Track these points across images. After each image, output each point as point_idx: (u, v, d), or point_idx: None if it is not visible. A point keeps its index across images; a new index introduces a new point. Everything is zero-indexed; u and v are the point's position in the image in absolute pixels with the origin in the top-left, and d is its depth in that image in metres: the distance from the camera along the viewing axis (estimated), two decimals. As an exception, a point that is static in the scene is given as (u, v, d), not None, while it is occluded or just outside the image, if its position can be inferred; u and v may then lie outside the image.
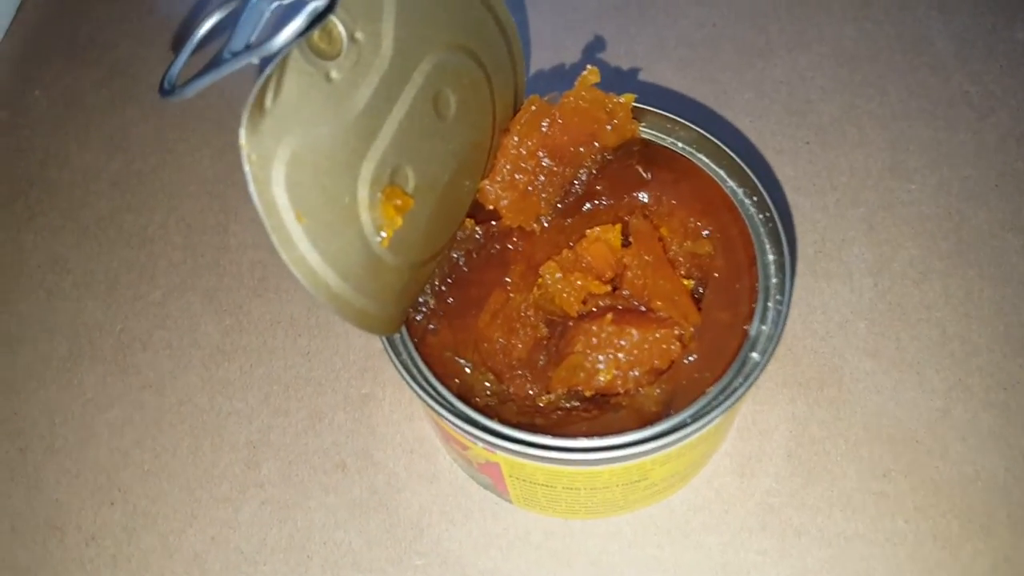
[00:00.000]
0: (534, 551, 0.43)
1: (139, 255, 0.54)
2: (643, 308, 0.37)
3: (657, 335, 0.35)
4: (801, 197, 0.53)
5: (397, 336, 0.37)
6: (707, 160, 0.41)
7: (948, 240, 0.51)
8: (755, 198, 0.39)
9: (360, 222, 0.31)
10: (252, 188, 0.27)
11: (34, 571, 0.44)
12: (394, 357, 0.36)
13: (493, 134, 0.38)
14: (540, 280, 0.37)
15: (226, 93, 0.55)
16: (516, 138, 0.39)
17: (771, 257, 0.38)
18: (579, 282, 0.37)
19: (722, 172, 0.40)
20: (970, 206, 0.52)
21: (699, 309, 0.37)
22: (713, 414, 0.34)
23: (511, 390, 0.37)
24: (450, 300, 0.38)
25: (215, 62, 0.27)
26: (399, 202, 0.32)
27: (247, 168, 0.27)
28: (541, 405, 0.37)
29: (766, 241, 0.38)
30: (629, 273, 0.37)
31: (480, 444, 0.35)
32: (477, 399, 0.36)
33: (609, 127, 0.40)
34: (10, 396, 0.50)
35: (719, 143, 0.40)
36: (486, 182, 0.39)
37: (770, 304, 0.37)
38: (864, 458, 0.44)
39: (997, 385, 0.46)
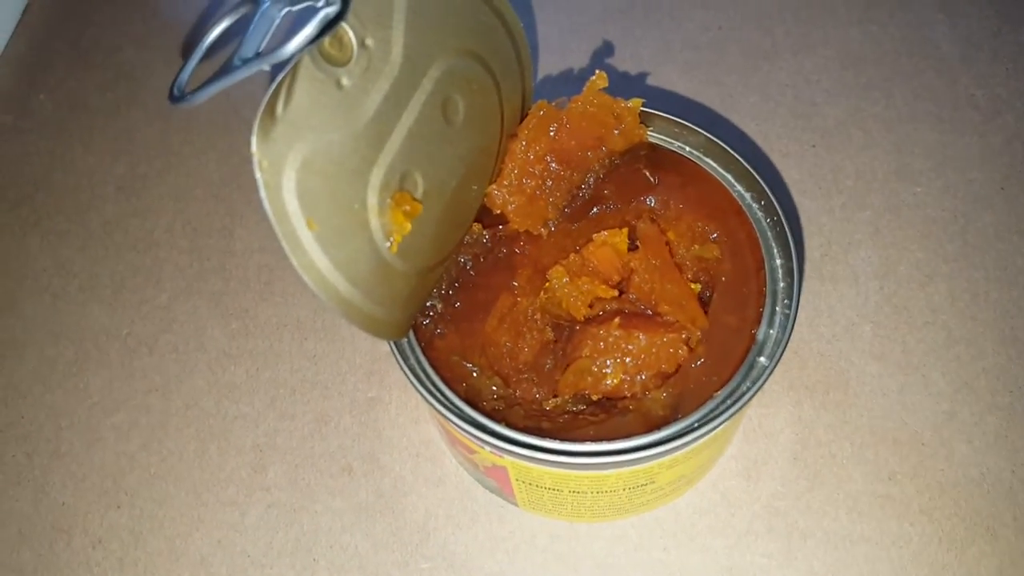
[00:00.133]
0: (540, 554, 0.43)
1: (145, 259, 0.55)
2: (650, 312, 0.37)
3: (664, 339, 0.35)
4: (807, 200, 0.53)
5: (404, 340, 0.37)
6: (714, 164, 0.41)
7: (954, 243, 0.51)
8: (762, 202, 0.39)
9: (370, 228, 0.31)
10: (263, 194, 0.27)
11: (41, 574, 0.44)
12: (401, 361, 0.36)
13: (501, 139, 0.39)
14: (547, 284, 0.37)
15: (231, 97, 0.55)
16: (524, 143, 0.39)
17: (778, 261, 0.38)
18: (586, 286, 0.37)
19: (729, 176, 0.41)
20: (976, 209, 0.52)
21: (706, 313, 0.37)
22: (720, 418, 0.34)
23: (518, 394, 0.37)
24: (457, 304, 0.38)
25: (225, 69, 0.27)
26: (408, 208, 0.32)
27: (258, 175, 0.27)
28: (548, 409, 0.37)
29: (773, 245, 0.38)
30: (636, 277, 0.37)
31: (487, 448, 0.35)
32: (484, 403, 0.36)
33: (616, 131, 0.40)
34: (16, 400, 0.50)
35: (726, 147, 0.40)
36: (494, 187, 0.39)
37: (778, 308, 0.37)
38: (870, 461, 0.44)
39: (1003, 388, 0.46)
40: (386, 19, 0.30)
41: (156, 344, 0.51)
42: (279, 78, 0.27)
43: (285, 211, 0.28)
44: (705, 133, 0.40)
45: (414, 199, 0.33)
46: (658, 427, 0.34)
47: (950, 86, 0.57)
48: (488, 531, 0.44)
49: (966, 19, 0.61)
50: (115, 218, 0.57)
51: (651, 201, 0.40)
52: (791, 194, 0.53)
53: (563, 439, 0.34)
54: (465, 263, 0.39)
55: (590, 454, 0.34)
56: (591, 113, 0.39)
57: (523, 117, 0.40)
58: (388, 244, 0.32)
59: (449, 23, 0.34)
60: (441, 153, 0.34)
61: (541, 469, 0.36)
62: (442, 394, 0.36)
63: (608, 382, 0.36)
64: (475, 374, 0.37)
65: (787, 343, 0.35)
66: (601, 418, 0.36)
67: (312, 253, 0.29)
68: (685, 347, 0.36)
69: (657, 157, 0.41)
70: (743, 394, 0.35)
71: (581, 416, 0.36)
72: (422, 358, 0.37)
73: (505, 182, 0.39)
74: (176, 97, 0.28)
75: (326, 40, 0.28)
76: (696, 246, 0.39)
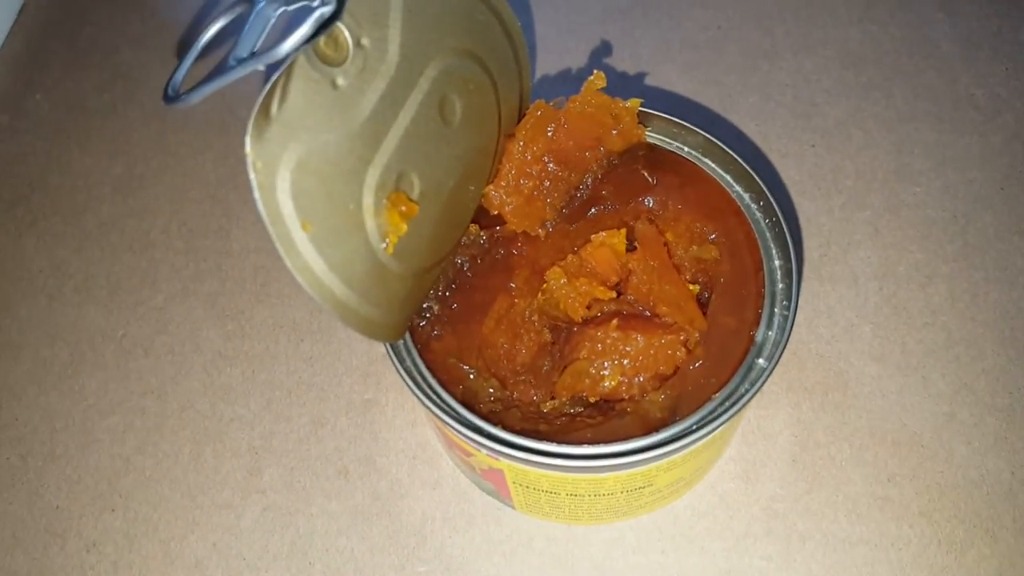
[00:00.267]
0: (537, 557, 0.43)
1: (141, 260, 0.54)
2: (648, 313, 0.37)
3: (662, 341, 0.35)
4: (806, 200, 0.53)
5: (400, 342, 0.37)
6: (713, 164, 0.41)
7: (954, 243, 0.51)
8: (761, 203, 0.39)
9: (365, 229, 0.31)
10: (257, 195, 0.27)
11: (36, 578, 0.44)
12: (398, 364, 0.36)
13: (499, 139, 0.38)
14: (545, 285, 0.37)
15: (228, 96, 0.55)
16: (521, 143, 0.39)
17: (777, 262, 0.38)
18: (584, 287, 0.37)
19: (728, 176, 0.40)
20: (976, 209, 0.52)
21: (705, 315, 0.37)
22: (719, 421, 0.34)
23: (515, 396, 0.37)
24: (454, 305, 0.38)
25: (220, 69, 0.27)
26: (404, 208, 0.32)
27: (252, 176, 0.26)
28: (545, 411, 0.36)
29: (772, 246, 0.38)
30: (634, 278, 0.37)
31: (484, 451, 0.35)
32: (481, 405, 0.36)
33: (615, 132, 0.40)
34: (11, 402, 0.49)
35: (725, 147, 0.40)
36: (491, 187, 0.39)
37: (776, 310, 0.37)
38: (869, 463, 0.44)
39: (1003, 389, 0.46)
40: (382, 18, 0.30)
41: (152, 346, 0.51)
42: (274, 78, 0.27)
43: (279, 212, 0.28)
44: (704, 133, 0.40)
45: (410, 200, 0.33)
46: (656, 429, 0.34)
47: (950, 86, 0.57)
48: (485, 534, 0.44)
49: (966, 18, 0.60)
50: (111, 219, 0.56)
51: (649, 202, 0.40)
52: (790, 194, 0.53)
53: (560, 442, 0.34)
54: (462, 264, 0.39)
55: (588, 457, 0.34)
56: (589, 113, 0.39)
57: (521, 117, 0.40)
58: (384, 245, 0.32)
59: (446, 22, 0.33)
60: (438, 153, 0.34)
61: (538, 472, 0.36)
62: (438, 396, 0.36)
63: (606, 384, 0.35)
64: (472, 376, 0.37)
65: (786, 344, 0.35)
66: (599, 420, 0.35)
67: (307, 255, 0.29)
68: (683, 349, 0.36)
69: (655, 157, 0.41)
70: (742, 396, 0.34)
71: (579, 418, 0.36)
72: (418, 360, 0.37)
73: (502, 183, 0.39)
74: (171, 97, 0.28)
75: (321, 40, 0.28)
76: (695, 247, 0.39)
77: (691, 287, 0.38)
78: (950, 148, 0.54)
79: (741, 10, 0.62)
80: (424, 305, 0.37)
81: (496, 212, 0.39)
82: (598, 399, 0.36)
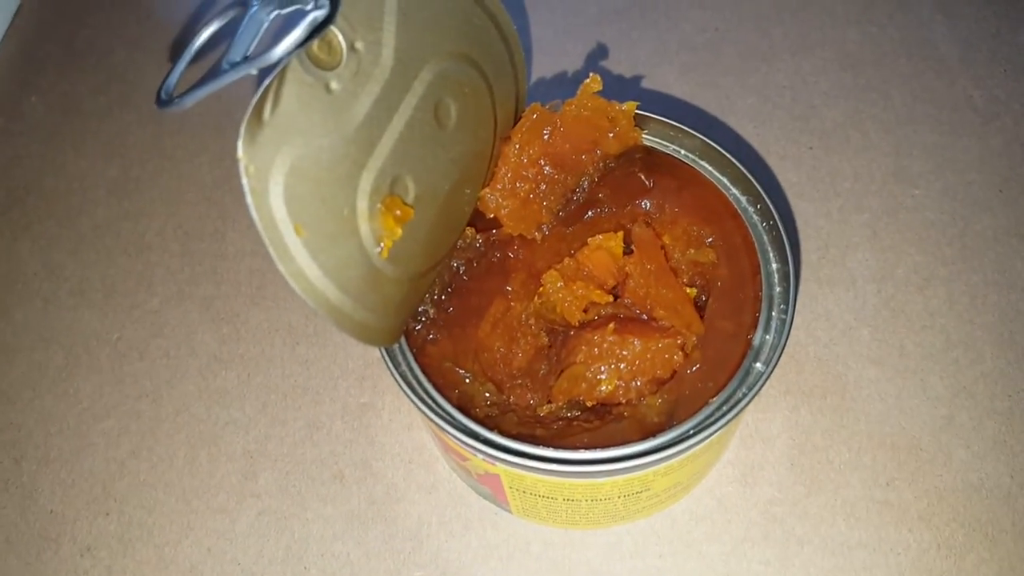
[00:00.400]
0: (534, 562, 0.43)
1: (136, 263, 0.54)
2: (645, 317, 0.36)
3: (659, 345, 0.35)
4: (804, 203, 0.53)
5: (396, 346, 0.37)
6: (710, 167, 0.41)
7: (952, 246, 0.51)
8: (759, 206, 0.39)
9: (359, 234, 0.31)
10: (250, 200, 0.26)
11: (30, 583, 0.44)
12: (393, 368, 0.36)
13: (494, 142, 0.38)
14: (541, 289, 0.37)
15: (224, 99, 0.54)
16: (517, 146, 0.39)
17: (775, 266, 0.38)
18: (581, 291, 0.37)
19: (725, 179, 0.40)
20: (974, 211, 0.52)
21: (702, 318, 0.37)
22: (716, 425, 0.34)
23: (511, 400, 0.37)
24: (450, 309, 0.38)
25: (213, 72, 0.27)
26: (399, 212, 0.32)
27: (245, 180, 0.26)
28: (542, 415, 0.36)
29: (770, 249, 0.38)
30: (631, 282, 0.37)
31: (480, 456, 0.35)
32: (477, 410, 0.36)
33: (611, 135, 0.39)
34: (5, 406, 0.49)
35: (722, 150, 0.39)
36: (487, 190, 0.38)
37: (774, 314, 0.36)
38: (867, 466, 0.44)
39: (1001, 392, 0.46)
40: (376, 22, 0.30)
41: (147, 349, 0.51)
42: (266, 82, 0.27)
43: (272, 217, 0.27)
44: (701, 136, 0.40)
45: (405, 204, 0.32)
46: (653, 434, 0.34)
47: (949, 87, 0.57)
48: (482, 538, 0.43)
49: (965, 20, 0.60)
50: (106, 222, 0.56)
51: (646, 205, 0.40)
52: (788, 197, 0.53)
53: (557, 446, 0.34)
54: (458, 268, 0.38)
55: (584, 462, 0.33)
56: (585, 116, 0.39)
57: (517, 120, 0.40)
58: (379, 250, 0.32)
59: (441, 25, 0.33)
60: (433, 157, 0.34)
61: (535, 477, 0.35)
62: (434, 401, 0.35)
63: (603, 388, 0.35)
64: (468, 380, 0.37)
65: (784, 348, 0.35)
66: (595, 425, 0.35)
67: (300, 260, 0.28)
68: (680, 352, 0.35)
69: (652, 160, 0.40)
70: (739, 400, 0.34)
71: (575, 423, 0.36)
72: (414, 364, 0.36)
73: (498, 186, 0.39)
74: (164, 101, 0.28)
75: (315, 43, 0.28)
76: (692, 250, 0.39)
77: (688, 291, 0.38)
78: (948, 150, 0.54)
79: (739, 12, 0.62)
80: (420, 309, 0.37)
81: (492, 215, 0.39)
82: (595, 403, 0.36)
